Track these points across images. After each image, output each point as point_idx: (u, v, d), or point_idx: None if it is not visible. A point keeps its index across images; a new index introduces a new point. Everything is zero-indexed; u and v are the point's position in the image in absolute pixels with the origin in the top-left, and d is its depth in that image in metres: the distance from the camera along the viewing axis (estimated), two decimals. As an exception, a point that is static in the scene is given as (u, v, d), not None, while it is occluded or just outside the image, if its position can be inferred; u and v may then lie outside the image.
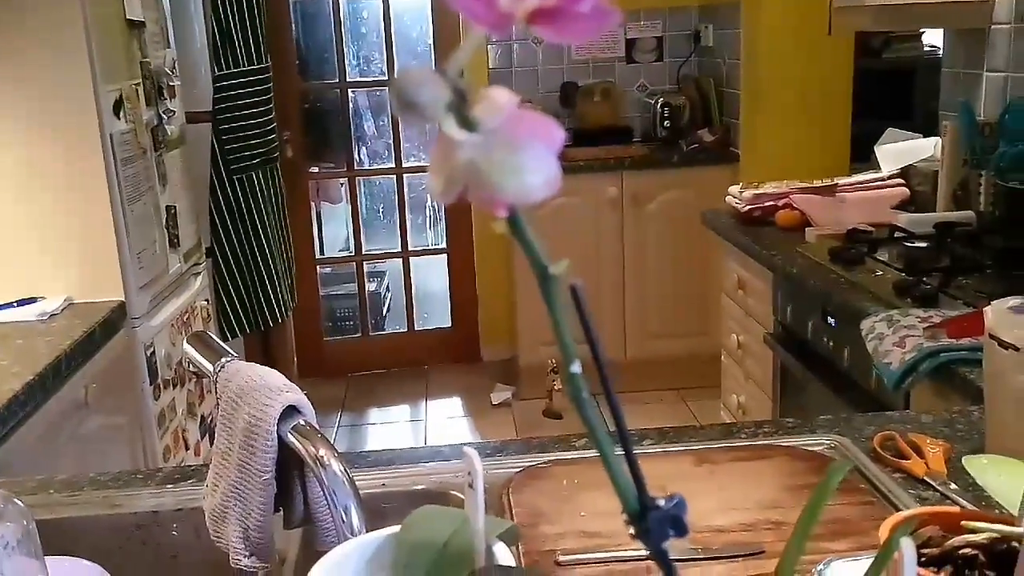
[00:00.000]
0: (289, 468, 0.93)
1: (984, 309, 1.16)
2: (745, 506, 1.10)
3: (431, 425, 4.03)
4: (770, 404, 2.37)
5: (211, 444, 1.76)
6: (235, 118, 3.06)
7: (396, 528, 0.55)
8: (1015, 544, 0.45)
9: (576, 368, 0.32)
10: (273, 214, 3.29)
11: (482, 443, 1.33)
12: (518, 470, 1.23)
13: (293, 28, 4.27)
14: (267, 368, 0.95)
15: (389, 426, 4.05)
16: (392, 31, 4.31)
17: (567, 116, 4.18)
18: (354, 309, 4.68)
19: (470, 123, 0.27)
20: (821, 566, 0.71)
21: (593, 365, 0.32)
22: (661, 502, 0.34)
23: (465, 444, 1.35)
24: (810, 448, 1.25)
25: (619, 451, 0.32)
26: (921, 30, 3.90)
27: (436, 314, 4.73)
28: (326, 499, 0.87)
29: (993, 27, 2.39)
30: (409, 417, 4.13)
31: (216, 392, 0.96)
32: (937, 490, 1.10)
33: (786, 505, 1.10)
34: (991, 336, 1.13)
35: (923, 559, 0.48)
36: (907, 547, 0.36)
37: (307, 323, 4.41)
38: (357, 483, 1.24)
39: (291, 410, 0.90)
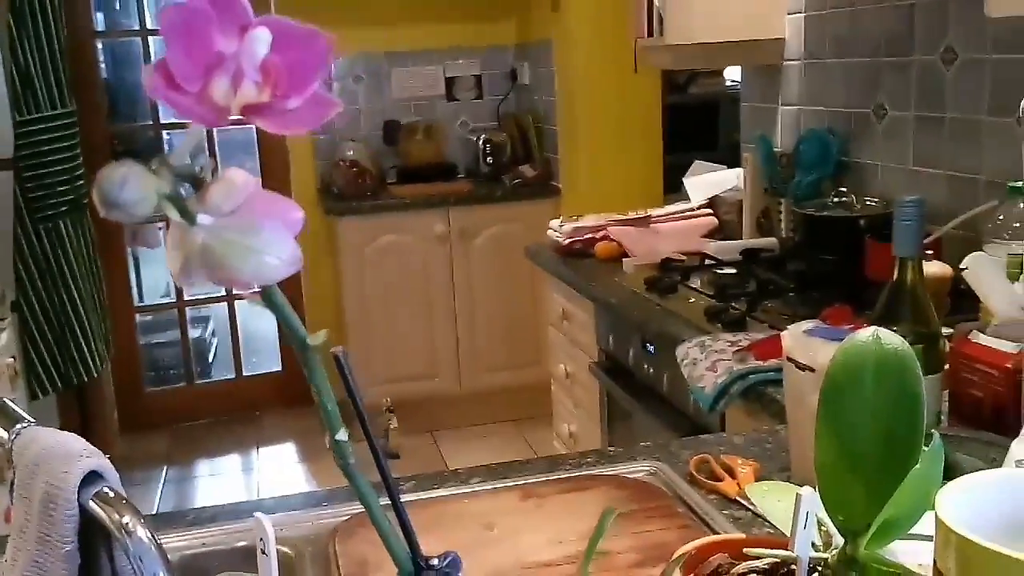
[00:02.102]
0: (93, 538, 0.88)
1: (781, 334, 1.23)
2: (570, 538, 1.12)
3: (264, 473, 3.91)
4: (599, 432, 2.43)
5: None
6: (39, 164, 2.90)
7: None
8: (793, 567, 0.48)
9: (342, 436, 0.32)
10: (84, 263, 3.13)
11: (308, 493, 1.30)
12: (346, 518, 1.21)
13: (101, 69, 4.09)
14: (67, 433, 0.90)
15: (219, 478, 3.89)
16: (208, 70, 4.19)
17: (391, 154, 4.19)
18: (178, 357, 4.50)
19: (190, 216, 0.27)
20: None
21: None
22: (435, 561, 0.35)
23: (282, 495, 1.31)
24: (632, 476, 1.29)
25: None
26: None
27: (265, 358, 4.60)
28: (133, 569, 0.82)
29: (785, 63, 2.57)
30: (240, 467, 3.99)
31: (12, 463, 0.90)
32: (749, 509, 1.16)
33: (609, 535, 1.13)
34: (789, 359, 1.21)
35: (713, 585, 0.50)
36: None
37: (127, 374, 4.19)
38: (175, 544, 1.19)
39: (93, 476, 0.85)
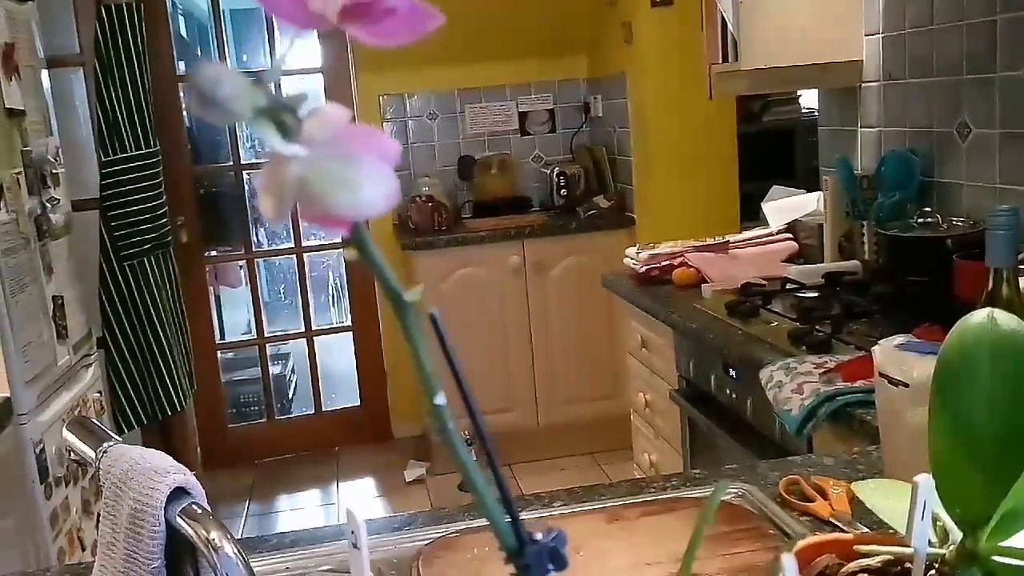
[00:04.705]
0: (180, 555, 0.88)
1: (872, 349, 1.19)
2: (658, 560, 1.09)
3: (343, 508, 3.92)
4: (680, 460, 2.38)
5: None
6: (124, 204, 3.00)
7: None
8: (908, 565, 0.45)
9: (441, 400, 0.31)
10: (167, 300, 3.20)
11: (391, 516, 1.29)
12: (427, 542, 1.20)
13: (184, 113, 4.23)
14: (152, 450, 0.91)
15: (299, 512, 3.92)
16: (286, 112, 4.29)
17: (466, 188, 4.22)
18: (258, 393, 4.56)
19: (289, 130, 0.26)
20: None
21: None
22: (539, 536, 0.33)
23: (376, 516, 1.31)
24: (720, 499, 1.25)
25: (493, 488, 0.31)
26: (798, 93, 4.09)
27: (344, 393, 4.65)
28: (221, 584, 0.82)
29: (863, 85, 2.52)
30: (320, 502, 4.02)
31: (99, 479, 0.91)
32: (844, 530, 1.11)
33: (699, 556, 1.09)
34: (881, 375, 1.16)
35: (823, 587, 0.48)
36: (788, 562, 0.36)
37: (210, 411, 4.27)
38: (257, 569, 1.19)
39: (179, 492, 0.86)
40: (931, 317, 1.85)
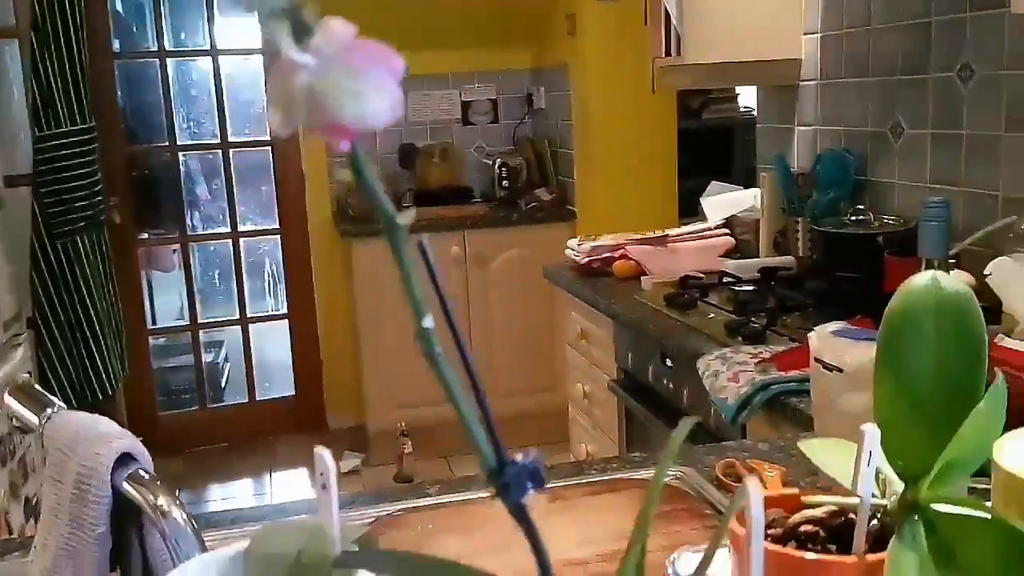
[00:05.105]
0: (125, 522, 0.88)
1: (808, 335, 1.23)
2: (601, 538, 1.11)
3: (276, 499, 3.89)
4: (616, 450, 2.41)
5: (36, 526, 1.63)
6: (58, 180, 2.92)
7: (243, 544, 0.52)
8: (851, 516, 0.47)
9: (428, 323, 0.32)
10: (100, 280, 3.14)
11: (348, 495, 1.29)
12: (371, 520, 1.20)
13: (118, 91, 4.14)
14: (98, 416, 0.90)
15: (231, 502, 3.87)
16: (224, 94, 4.24)
17: (407, 177, 4.21)
18: (190, 381, 4.50)
19: (304, 32, 0.27)
20: (674, 555, 0.72)
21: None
22: (519, 457, 0.35)
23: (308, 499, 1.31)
24: (657, 478, 1.28)
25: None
26: (736, 92, 4.16)
27: (278, 383, 4.60)
28: (168, 551, 0.82)
29: (801, 84, 2.58)
30: (253, 491, 3.98)
31: (43, 446, 0.90)
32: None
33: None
34: (816, 360, 1.20)
35: (768, 538, 0.50)
36: (752, 485, 0.38)
37: (139, 397, 4.19)
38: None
39: (126, 458, 0.85)
40: (862, 311, 1.91)
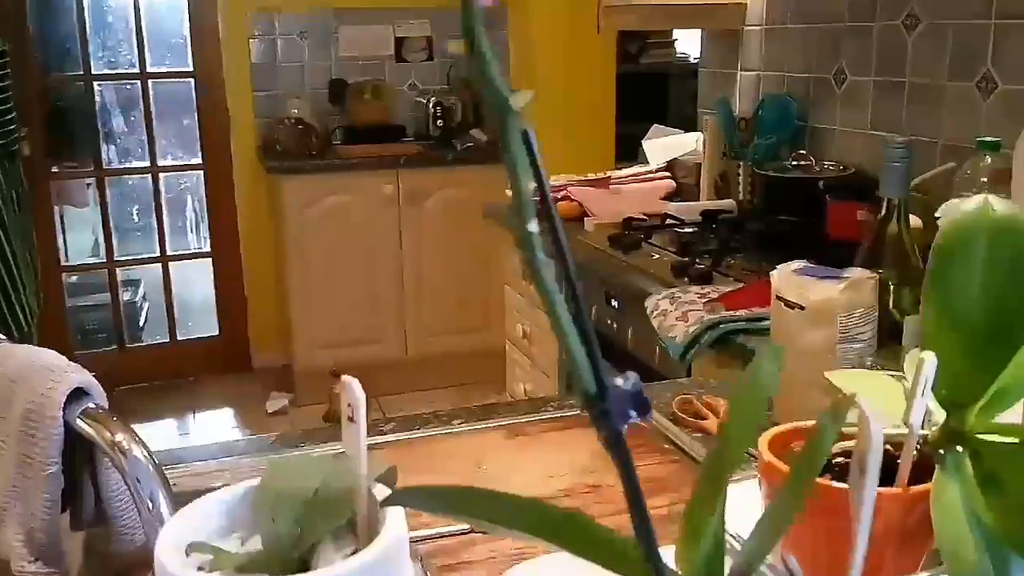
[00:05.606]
0: (76, 460, 0.83)
1: (771, 273, 1.22)
2: (561, 473, 1.10)
3: (201, 440, 3.81)
4: (556, 390, 2.41)
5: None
6: (-33, 106, 2.76)
7: (249, 483, 0.49)
8: (889, 448, 0.46)
9: (534, 227, 0.29)
10: (13, 212, 2.99)
11: (285, 434, 1.25)
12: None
13: (29, 18, 3.91)
14: (44, 349, 0.84)
15: (153, 444, 3.75)
16: (142, 21, 4.05)
17: (337, 114, 4.10)
18: (107, 320, 4.35)
19: None
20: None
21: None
22: (620, 381, 0.32)
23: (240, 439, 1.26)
24: (615, 417, 1.27)
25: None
26: (674, 37, 4.15)
27: (201, 322, 4.48)
28: (129, 490, 0.77)
29: (746, 28, 2.57)
30: (177, 432, 3.89)
31: (-16, 380, 0.84)
32: (737, 447, 1.15)
33: (600, 469, 1.11)
34: (778, 297, 1.20)
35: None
36: (865, 403, 0.35)
37: (53, 335, 4.02)
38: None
39: (78, 393, 0.80)
40: (803, 254, 1.93)
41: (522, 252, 0.29)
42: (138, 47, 4.08)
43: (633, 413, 0.32)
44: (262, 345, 4.29)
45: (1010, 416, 0.41)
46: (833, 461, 0.47)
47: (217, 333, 4.38)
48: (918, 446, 0.45)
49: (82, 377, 0.80)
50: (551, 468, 1.11)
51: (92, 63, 4.12)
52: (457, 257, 3.91)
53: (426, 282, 3.92)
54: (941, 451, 0.43)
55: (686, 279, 1.89)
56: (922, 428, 0.44)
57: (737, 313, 1.64)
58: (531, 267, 0.29)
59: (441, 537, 0.97)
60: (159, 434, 3.84)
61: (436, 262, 3.91)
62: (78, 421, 0.78)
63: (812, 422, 0.54)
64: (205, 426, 3.91)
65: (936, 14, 2.00)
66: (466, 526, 1.01)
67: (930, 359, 0.41)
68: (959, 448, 0.42)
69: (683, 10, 2.46)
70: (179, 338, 4.38)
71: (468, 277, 3.92)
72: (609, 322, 2.06)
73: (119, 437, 0.77)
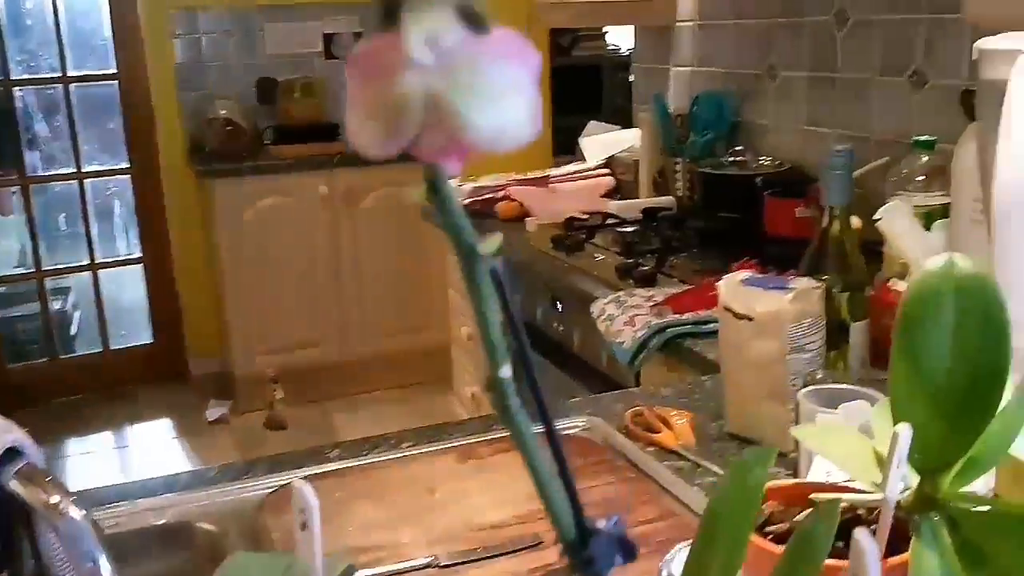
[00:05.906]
0: (12, 521, 0.79)
1: (717, 284, 1.22)
2: (516, 499, 1.08)
3: (139, 451, 3.72)
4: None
5: None
6: None
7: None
8: (859, 513, 0.45)
9: (506, 372, 0.27)
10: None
11: (227, 466, 1.22)
12: (272, 490, 1.14)
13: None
14: (-24, 406, 0.80)
15: (91, 456, 3.68)
16: (62, 24, 3.91)
17: (267, 113, 4.01)
18: (36, 331, 4.21)
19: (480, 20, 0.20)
20: (670, 555, 0.69)
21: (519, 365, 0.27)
22: (600, 524, 0.30)
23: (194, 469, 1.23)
24: (567, 432, 1.26)
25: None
26: (605, 30, 4.15)
27: (134, 330, 4.37)
28: (67, 553, 0.74)
29: (678, 24, 2.57)
30: (114, 444, 3.79)
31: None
32: (690, 460, 1.15)
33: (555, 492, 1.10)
34: (726, 309, 1.20)
35: (769, 536, 0.47)
36: (865, 541, 0.34)
37: (-19, 351, 3.90)
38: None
39: (12, 453, 0.76)
40: (745, 251, 1.94)
41: (493, 397, 0.27)
42: (59, 50, 3.94)
43: (619, 558, 0.30)
44: (199, 352, 4.20)
45: (985, 480, 0.41)
46: (767, 530, 0.46)
47: (152, 341, 4.28)
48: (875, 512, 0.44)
49: (15, 436, 0.76)
50: (505, 493, 1.09)
51: (11, 67, 3.98)
52: (396, 256, 3.86)
53: (366, 283, 3.87)
54: (916, 517, 0.42)
55: (631, 281, 1.89)
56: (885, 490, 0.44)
57: (684, 316, 1.64)
58: (503, 413, 0.27)
59: (398, 574, 0.95)
60: (96, 447, 3.74)
61: (375, 262, 3.86)
62: (12, 483, 0.74)
63: (790, 481, 0.53)
64: (143, 437, 3.82)
65: (864, 10, 2.02)
66: (421, 560, 0.99)
67: (904, 431, 0.40)
68: (934, 515, 0.42)
69: (615, 7, 2.45)
70: (113, 347, 4.27)
71: (408, 276, 3.88)
72: (555, 325, 2.06)
73: (54, 499, 0.74)
